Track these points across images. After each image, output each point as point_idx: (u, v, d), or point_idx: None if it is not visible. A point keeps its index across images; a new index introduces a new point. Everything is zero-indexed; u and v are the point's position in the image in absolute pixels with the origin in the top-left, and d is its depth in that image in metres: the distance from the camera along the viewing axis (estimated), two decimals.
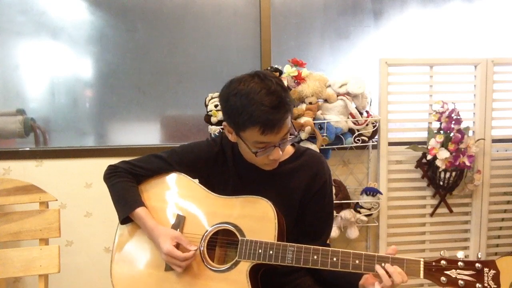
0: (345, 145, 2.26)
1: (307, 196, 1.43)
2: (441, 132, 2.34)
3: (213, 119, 2.18)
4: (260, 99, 1.22)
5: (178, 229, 1.40)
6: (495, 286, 1.10)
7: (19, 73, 2.37)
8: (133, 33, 2.43)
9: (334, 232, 2.31)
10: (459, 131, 2.30)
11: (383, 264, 1.18)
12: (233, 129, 1.33)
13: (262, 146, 1.30)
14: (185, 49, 2.47)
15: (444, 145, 2.31)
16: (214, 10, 2.46)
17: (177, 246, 1.34)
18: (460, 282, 1.11)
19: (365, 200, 2.33)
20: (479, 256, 1.15)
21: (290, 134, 1.35)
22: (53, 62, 2.38)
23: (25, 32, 2.35)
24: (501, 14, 2.70)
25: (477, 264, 1.12)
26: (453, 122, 2.28)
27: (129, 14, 2.41)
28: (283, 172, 1.43)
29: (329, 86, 2.25)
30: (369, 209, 2.35)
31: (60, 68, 2.39)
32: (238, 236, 1.33)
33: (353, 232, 2.37)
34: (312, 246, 1.26)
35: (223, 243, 1.42)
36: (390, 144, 2.46)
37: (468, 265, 1.13)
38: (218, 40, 2.48)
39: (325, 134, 2.18)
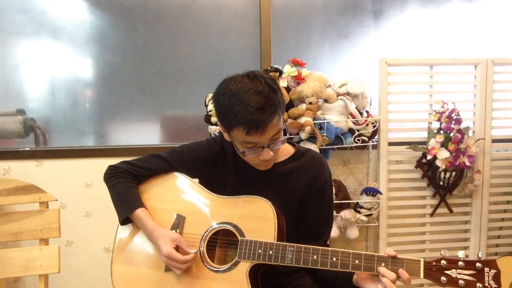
0: (345, 145, 2.26)
1: (307, 196, 1.43)
2: (441, 132, 2.34)
3: (213, 119, 2.18)
4: (246, 99, 1.22)
5: (178, 229, 1.40)
6: (496, 286, 1.09)
7: (19, 73, 2.36)
8: (133, 33, 2.43)
9: (334, 232, 2.31)
10: (459, 131, 2.30)
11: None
12: (224, 128, 1.33)
13: (250, 146, 1.29)
14: (185, 49, 2.47)
15: (444, 145, 2.31)
16: (214, 10, 2.46)
17: (177, 248, 1.34)
18: (461, 282, 1.11)
19: (365, 200, 2.33)
20: (480, 256, 1.14)
21: (285, 135, 1.35)
22: (53, 62, 2.38)
23: (25, 32, 2.35)
24: (501, 14, 2.70)
25: (478, 264, 1.11)
26: (453, 122, 2.28)
27: (129, 14, 2.41)
28: (283, 172, 1.43)
29: (329, 86, 2.25)
30: (369, 209, 2.35)
31: (60, 68, 2.39)
32: (238, 236, 1.33)
33: (353, 232, 2.36)
34: (311, 246, 1.26)
35: (223, 243, 1.42)
36: (390, 144, 2.46)
37: (469, 264, 1.12)
38: (218, 40, 2.48)
39: (325, 134, 2.18)
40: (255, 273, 1.32)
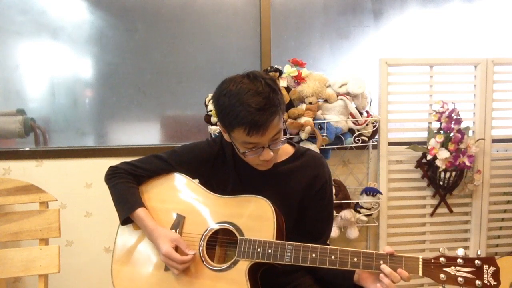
0: (345, 145, 2.26)
1: (307, 196, 1.43)
2: (441, 132, 2.34)
3: (213, 119, 2.19)
4: (247, 99, 1.22)
5: (178, 229, 1.40)
6: (495, 283, 1.08)
7: (19, 73, 2.37)
8: (133, 33, 2.43)
9: (334, 232, 2.31)
10: (459, 131, 2.30)
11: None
12: (224, 129, 1.33)
13: (250, 147, 1.30)
14: (185, 49, 2.47)
15: (444, 145, 2.31)
16: (214, 10, 2.46)
17: (176, 248, 1.34)
18: (460, 279, 1.11)
19: (365, 200, 2.33)
20: (479, 254, 1.14)
21: (285, 135, 1.35)
22: (53, 62, 2.38)
23: (25, 32, 2.35)
24: (501, 14, 2.70)
25: (477, 261, 1.11)
26: (453, 122, 2.28)
27: (129, 14, 2.41)
28: (283, 172, 1.43)
29: (329, 86, 2.25)
30: (369, 209, 2.35)
31: (60, 68, 2.39)
32: (237, 235, 1.33)
33: (353, 232, 2.36)
34: (310, 245, 1.25)
35: (223, 242, 1.42)
36: (390, 144, 2.46)
37: (468, 262, 1.12)
38: (218, 40, 2.48)
39: (325, 134, 2.18)
40: (254, 272, 1.32)
